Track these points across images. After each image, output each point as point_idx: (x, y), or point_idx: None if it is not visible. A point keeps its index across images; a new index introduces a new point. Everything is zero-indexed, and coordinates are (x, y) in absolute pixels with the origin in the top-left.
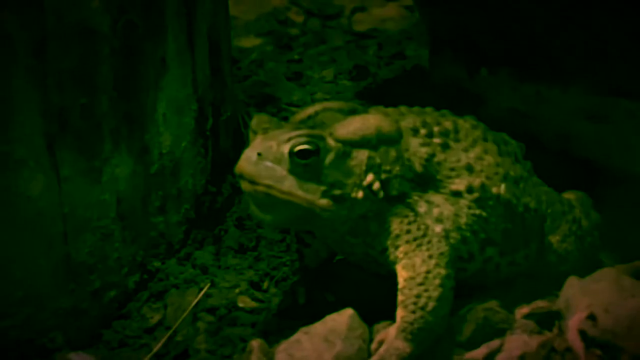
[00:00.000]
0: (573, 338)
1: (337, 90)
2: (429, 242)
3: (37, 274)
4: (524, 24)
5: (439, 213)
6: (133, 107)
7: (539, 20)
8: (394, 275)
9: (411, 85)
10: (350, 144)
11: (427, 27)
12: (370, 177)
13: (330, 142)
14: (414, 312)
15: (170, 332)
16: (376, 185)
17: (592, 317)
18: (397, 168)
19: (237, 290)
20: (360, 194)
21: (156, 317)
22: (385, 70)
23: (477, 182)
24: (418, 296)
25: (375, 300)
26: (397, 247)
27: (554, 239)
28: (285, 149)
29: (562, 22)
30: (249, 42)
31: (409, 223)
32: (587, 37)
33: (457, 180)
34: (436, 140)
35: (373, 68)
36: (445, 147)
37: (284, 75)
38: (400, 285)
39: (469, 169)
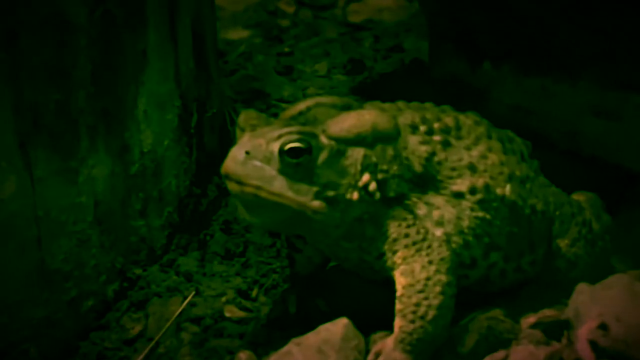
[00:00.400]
0: (583, 349)
1: (330, 85)
2: (429, 246)
3: (8, 281)
4: (528, 14)
5: (440, 216)
6: (111, 102)
7: (544, 10)
8: (391, 282)
9: (410, 80)
10: (345, 142)
11: (427, 19)
12: (366, 177)
13: (323, 139)
14: (413, 321)
15: (152, 344)
16: (372, 186)
17: (603, 327)
18: (395, 167)
19: (223, 299)
20: (355, 195)
21: (137, 328)
22: (382, 64)
23: (480, 182)
24: (417, 305)
25: (372, 309)
26: (394, 252)
27: (563, 243)
28: (275, 147)
29: (569, 14)
30: (237, 34)
31: (408, 226)
32: (594, 29)
33: (459, 181)
34: (436, 137)
35: (369, 62)
36: (446, 145)
37: (273, 69)
38: (398, 293)
39: (472, 168)
